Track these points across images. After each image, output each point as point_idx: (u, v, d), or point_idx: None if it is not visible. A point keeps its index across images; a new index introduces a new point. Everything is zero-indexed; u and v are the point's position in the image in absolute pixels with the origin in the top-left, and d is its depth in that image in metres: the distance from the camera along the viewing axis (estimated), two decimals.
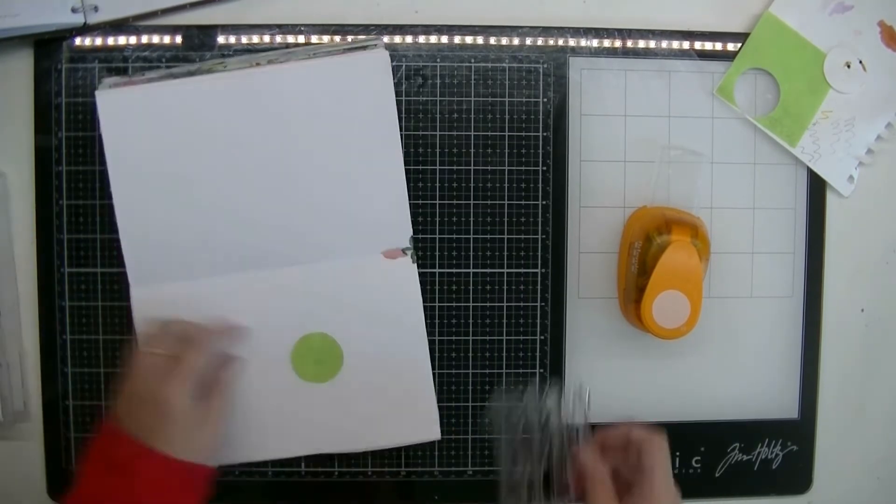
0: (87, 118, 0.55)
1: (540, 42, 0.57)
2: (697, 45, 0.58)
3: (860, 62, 0.58)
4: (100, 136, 0.53)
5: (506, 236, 0.58)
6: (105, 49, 0.56)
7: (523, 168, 0.57)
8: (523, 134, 0.57)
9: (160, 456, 0.46)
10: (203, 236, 0.54)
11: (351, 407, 0.57)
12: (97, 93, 0.52)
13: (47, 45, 0.55)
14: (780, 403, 0.60)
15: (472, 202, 0.57)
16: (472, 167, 0.57)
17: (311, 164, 0.54)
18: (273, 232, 0.55)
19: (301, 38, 0.56)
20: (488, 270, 0.58)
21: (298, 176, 0.54)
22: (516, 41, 0.57)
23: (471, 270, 0.58)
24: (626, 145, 0.58)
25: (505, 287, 0.58)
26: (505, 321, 0.58)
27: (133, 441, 0.47)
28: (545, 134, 0.57)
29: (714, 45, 0.58)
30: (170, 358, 0.49)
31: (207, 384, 0.52)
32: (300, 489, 0.57)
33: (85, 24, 0.54)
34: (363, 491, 0.58)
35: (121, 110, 0.52)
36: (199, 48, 0.56)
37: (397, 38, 0.56)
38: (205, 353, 0.50)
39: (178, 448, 0.47)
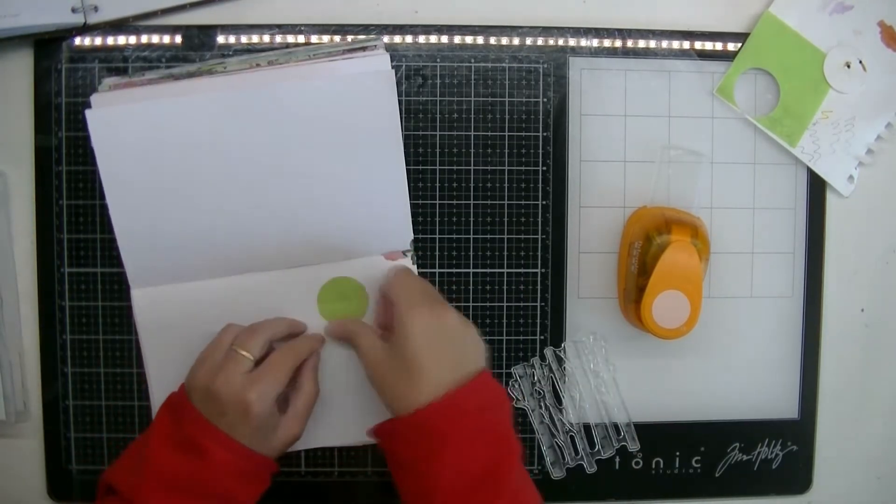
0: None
1: (540, 42, 0.57)
2: (697, 45, 0.58)
3: (860, 62, 0.58)
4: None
5: (506, 236, 0.58)
6: (105, 49, 0.56)
7: (523, 168, 0.57)
8: (523, 134, 0.57)
9: (231, 441, 0.47)
10: (202, 240, 0.54)
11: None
12: (87, 111, 0.51)
13: (47, 45, 0.55)
14: (780, 403, 0.60)
15: (472, 202, 0.57)
16: (472, 167, 0.57)
17: (312, 168, 0.54)
18: (273, 234, 0.55)
19: (301, 38, 0.56)
20: (488, 270, 0.58)
21: (299, 179, 0.54)
22: (516, 41, 0.57)
23: (471, 270, 0.58)
24: (626, 145, 0.58)
25: (505, 287, 0.58)
26: (505, 321, 0.58)
27: (205, 422, 0.47)
28: (545, 134, 0.57)
29: (714, 45, 0.58)
30: (254, 364, 0.50)
31: (291, 385, 0.52)
32: (300, 489, 0.57)
33: (85, 24, 0.54)
34: (363, 491, 0.58)
35: (112, 125, 0.52)
36: (199, 48, 0.56)
37: (397, 38, 0.56)
38: (291, 370, 0.50)
39: (253, 444, 0.47)
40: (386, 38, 0.56)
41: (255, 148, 0.53)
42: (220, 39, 0.56)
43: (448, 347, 0.48)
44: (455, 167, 0.57)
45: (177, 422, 0.48)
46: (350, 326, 0.53)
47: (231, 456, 0.47)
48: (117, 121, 0.52)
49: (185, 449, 0.47)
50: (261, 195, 0.54)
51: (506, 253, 0.58)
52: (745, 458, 0.60)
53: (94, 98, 0.52)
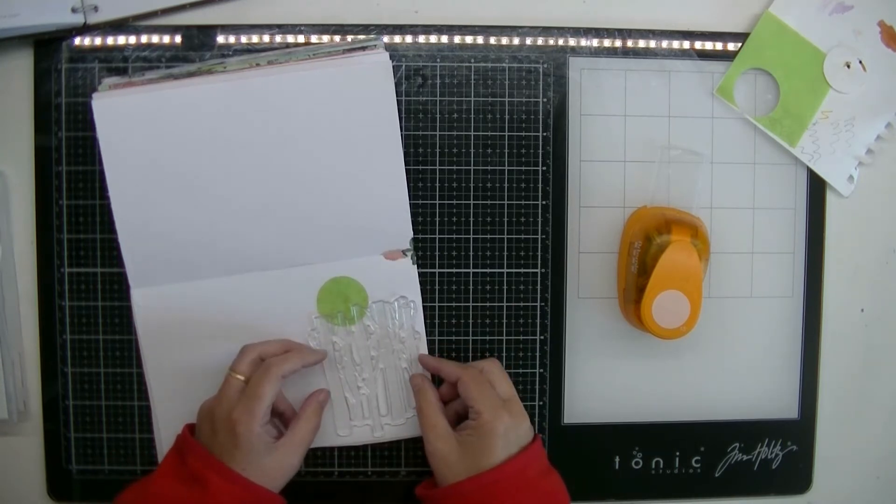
0: (86, 118, 0.55)
1: (540, 42, 0.57)
2: (697, 45, 0.58)
3: (860, 62, 0.58)
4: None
5: (506, 236, 0.58)
6: (105, 49, 0.56)
7: (523, 168, 0.57)
8: (523, 134, 0.57)
9: (231, 472, 0.47)
10: (202, 239, 0.54)
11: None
12: (93, 100, 0.52)
13: (47, 45, 0.55)
14: (780, 403, 0.60)
15: (472, 202, 0.57)
16: (472, 167, 0.57)
17: (311, 166, 0.54)
18: (273, 234, 0.55)
19: (301, 38, 0.56)
20: (488, 270, 0.58)
21: (298, 178, 0.54)
22: (516, 41, 0.57)
23: (471, 270, 0.58)
24: (626, 145, 0.58)
25: (505, 287, 0.58)
26: (505, 321, 0.58)
27: (207, 454, 0.48)
28: (545, 134, 0.57)
29: (714, 45, 0.58)
30: (246, 383, 0.51)
31: (288, 412, 0.54)
32: (300, 489, 0.56)
33: (85, 24, 0.54)
34: (363, 491, 0.58)
35: (117, 116, 0.52)
36: (199, 48, 0.56)
37: (397, 38, 0.56)
38: (273, 380, 0.50)
39: (248, 470, 0.48)
40: (386, 38, 0.56)
41: (255, 144, 0.53)
42: (220, 39, 0.56)
43: (515, 442, 0.50)
44: (455, 167, 0.57)
45: (181, 458, 0.49)
46: (423, 404, 0.53)
47: (230, 486, 0.47)
48: (122, 110, 0.52)
49: (188, 482, 0.47)
50: (260, 193, 0.54)
51: (506, 253, 0.58)
52: (745, 458, 0.60)
53: (94, 97, 0.52)
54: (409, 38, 0.57)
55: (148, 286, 0.55)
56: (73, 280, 0.56)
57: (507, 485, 0.48)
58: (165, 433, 0.56)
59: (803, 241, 0.59)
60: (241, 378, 0.51)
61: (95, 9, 0.54)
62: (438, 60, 0.57)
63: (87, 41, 0.56)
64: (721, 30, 0.58)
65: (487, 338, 0.58)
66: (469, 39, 0.57)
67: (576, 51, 0.57)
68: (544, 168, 0.57)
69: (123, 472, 0.57)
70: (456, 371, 0.53)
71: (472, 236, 0.57)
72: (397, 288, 0.56)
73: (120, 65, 0.56)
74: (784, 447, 0.60)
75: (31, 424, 0.57)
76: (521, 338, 0.58)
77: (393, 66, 0.54)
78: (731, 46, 0.58)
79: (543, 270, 0.58)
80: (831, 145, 0.58)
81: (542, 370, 0.58)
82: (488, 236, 0.57)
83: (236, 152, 0.53)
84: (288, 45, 0.56)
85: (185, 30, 0.56)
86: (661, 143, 0.58)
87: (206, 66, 0.55)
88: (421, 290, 0.57)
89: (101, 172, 0.53)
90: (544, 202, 0.58)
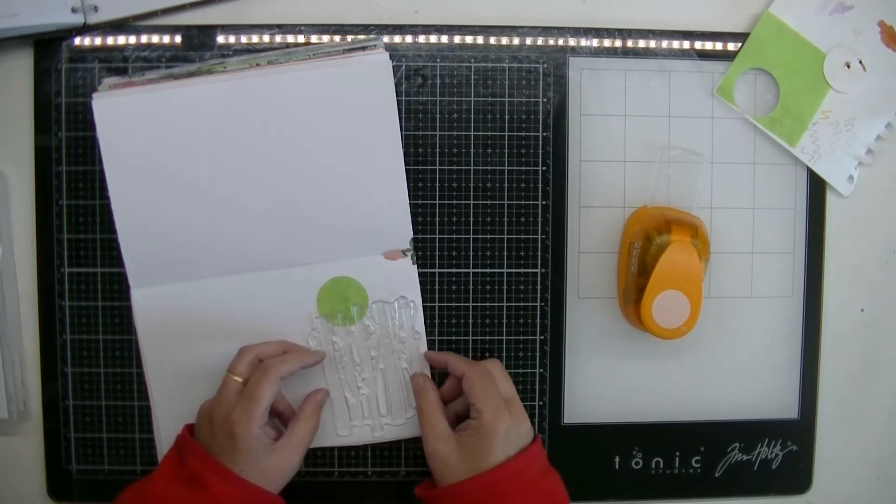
0: (86, 118, 0.55)
1: (540, 42, 0.57)
2: (697, 45, 0.58)
3: (860, 62, 0.58)
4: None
5: (506, 236, 0.58)
6: (105, 49, 0.56)
7: (523, 168, 0.57)
8: (523, 134, 0.57)
9: (230, 473, 0.47)
10: (202, 239, 0.54)
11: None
12: (93, 100, 0.52)
13: (47, 45, 0.55)
14: (780, 403, 0.60)
15: (472, 202, 0.57)
16: (472, 167, 0.57)
17: (311, 166, 0.54)
18: (272, 234, 0.55)
19: (301, 38, 0.56)
20: (488, 270, 0.58)
21: (298, 178, 0.54)
22: (516, 41, 0.57)
23: (471, 270, 0.58)
24: (626, 145, 0.58)
25: (505, 287, 0.58)
26: (505, 321, 0.58)
27: (206, 455, 0.48)
28: (545, 134, 0.57)
29: (714, 45, 0.58)
30: (244, 384, 0.51)
31: (287, 412, 0.54)
32: (300, 489, 0.57)
33: (85, 24, 0.54)
34: (363, 491, 0.58)
35: (117, 116, 0.52)
36: (199, 48, 0.56)
37: (397, 38, 0.56)
38: (271, 382, 0.50)
39: (246, 471, 0.48)
40: (386, 38, 0.56)
41: (255, 144, 0.53)
42: (220, 39, 0.56)
43: (515, 443, 0.50)
44: (455, 167, 0.57)
45: (181, 459, 0.49)
46: (423, 404, 0.53)
47: (229, 487, 0.47)
48: (122, 110, 0.52)
49: (187, 483, 0.47)
50: (260, 193, 0.54)
51: (506, 253, 0.58)
52: (745, 458, 0.60)
53: (94, 97, 0.52)
54: (409, 38, 0.57)
55: (148, 286, 0.55)
56: (73, 280, 0.56)
57: (507, 485, 0.48)
58: (165, 433, 0.56)
59: (803, 241, 0.59)
60: (239, 380, 0.51)
61: (95, 9, 0.54)
62: (438, 60, 0.57)
63: (87, 41, 0.56)
64: (721, 30, 0.58)
65: (487, 338, 0.58)
66: (469, 39, 0.57)
67: (576, 51, 0.57)
68: (544, 168, 0.58)
69: (123, 472, 0.57)
70: (462, 366, 0.53)
71: (472, 236, 0.57)
72: (397, 288, 0.56)
73: (120, 65, 0.56)
74: (784, 447, 0.60)
75: (31, 424, 0.57)
76: (521, 338, 0.58)
77: (393, 66, 0.54)
78: (731, 46, 0.58)
79: (543, 270, 0.58)
80: (831, 145, 0.58)
81: (542, 370, 0.58)
82: (488, 236, 0.57)
83: (236, 152, 0.53)
84: (288, 45, 0.56)
85: (185, 30, 0.56)
86: (661, 143, 0.58)
87: (206, 66, 0.55)
88: (421, 290, 0.57)
89: (101, 172, 0.53)
90: (544, 202, 0.58)
